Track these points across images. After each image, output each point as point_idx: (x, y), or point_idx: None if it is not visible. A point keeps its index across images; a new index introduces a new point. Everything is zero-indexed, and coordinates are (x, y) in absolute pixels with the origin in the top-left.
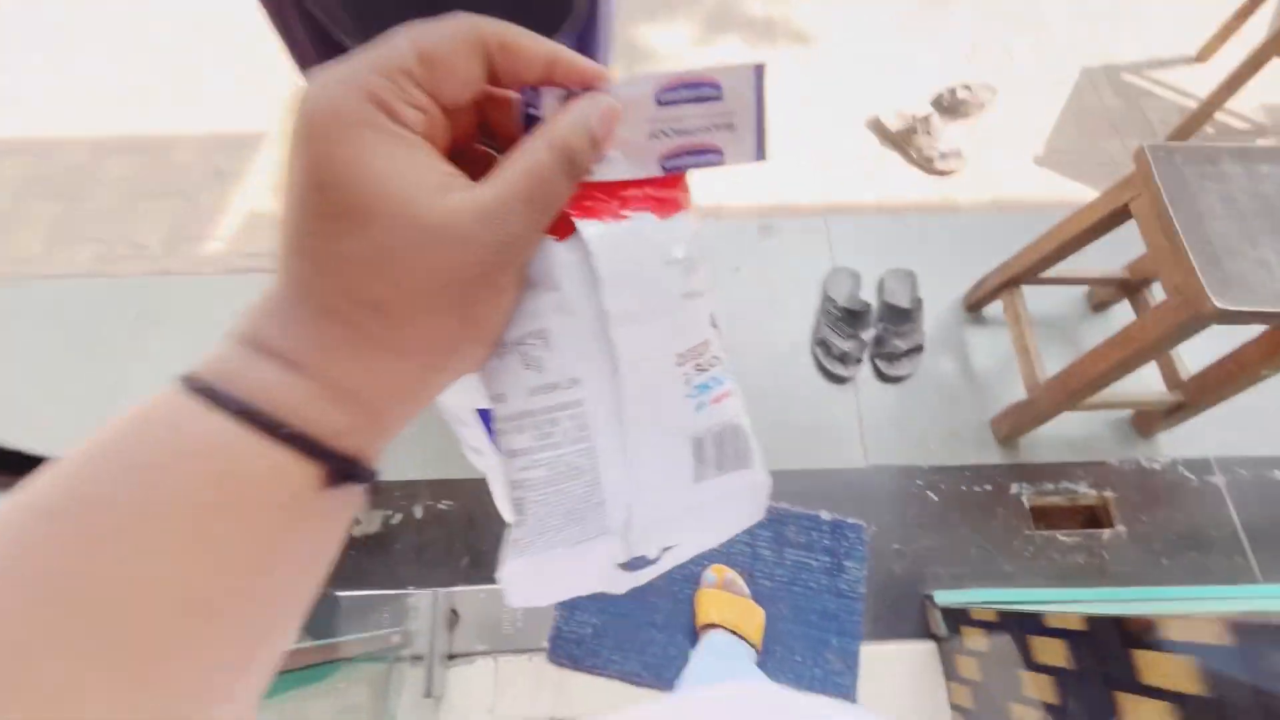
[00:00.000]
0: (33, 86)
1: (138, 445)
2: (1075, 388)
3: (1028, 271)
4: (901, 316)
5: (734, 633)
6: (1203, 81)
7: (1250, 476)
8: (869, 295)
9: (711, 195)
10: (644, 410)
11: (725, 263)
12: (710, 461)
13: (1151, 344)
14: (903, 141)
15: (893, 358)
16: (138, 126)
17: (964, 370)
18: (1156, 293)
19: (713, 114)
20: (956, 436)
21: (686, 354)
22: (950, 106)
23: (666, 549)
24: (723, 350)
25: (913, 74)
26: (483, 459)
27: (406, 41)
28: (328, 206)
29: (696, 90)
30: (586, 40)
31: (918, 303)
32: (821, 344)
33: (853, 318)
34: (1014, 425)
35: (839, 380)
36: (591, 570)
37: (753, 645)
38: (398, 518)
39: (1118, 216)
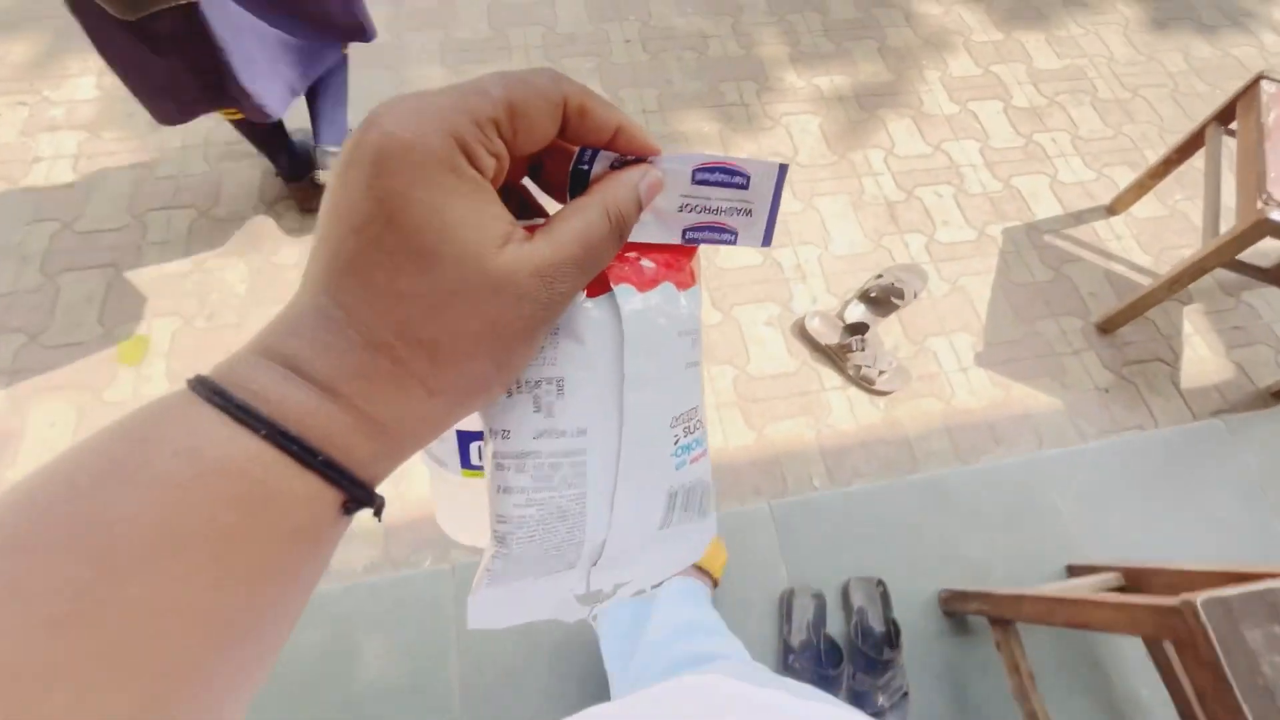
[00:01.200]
0: None
1: (155, 460)
2: None
3: (1020, 615)
4: (881, 667)
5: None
6: (1120, 237)
7: None
8: (834, 615)
9: None
10: (636, 465)
11: None
12: (677, 512)
13: None
14: (837, 357)
15: (879, 716)
16: None
17: (958, 709)
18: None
19: (736, 199)
20: None
21: (679, 418)
22: (880, 298)
23: (620, 585)
24: (704, 416)
25: (834, 246)
26: (441, 470)
27: (499, 89)
28: (397, 243)
29: (729, 175)
30: None
31: (894, 629)
32: None
33: (827, 682)
34: None
35: None
36: (551, 599)
37: (712, 579)
38: None
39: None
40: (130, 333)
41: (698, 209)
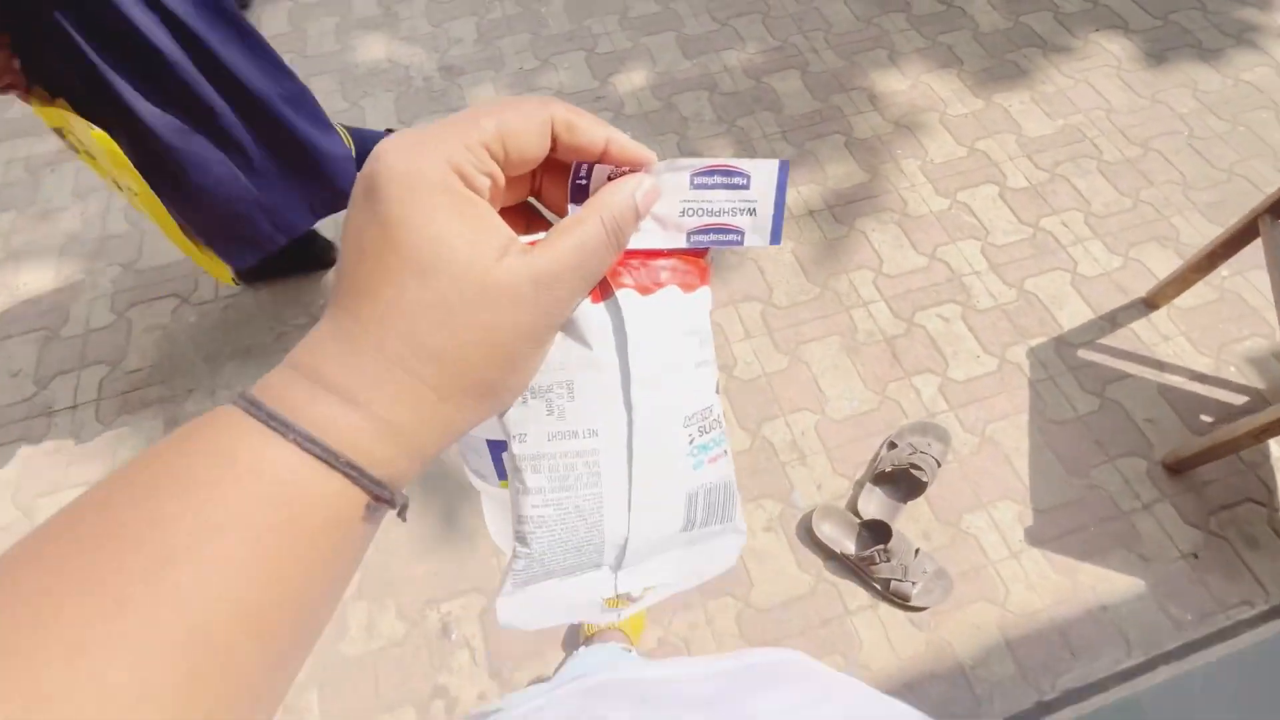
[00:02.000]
0: None
1: (198, 466)
2: None
3: None
4: None
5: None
6: (1168, 337)
7: None
8: None
9: None
10: (650, 465)
11: None
12: (699, 514)
13: None
14: (861, 570)
15: None
16: None
17: None
18: None
19: (738, 199)
20: None
21: (692, 417)
22: (895, 474)
23: (648, 589)
24: (721, 416)
25: (831, 408)
26: (484, 484)
27: (488, 116)
28: (400, 262)
29: (728, 177)
30: None
31: None
32: None
33: None
34: None
35: None
36: (579, 601)
37: (630, 642)
38: None
39: None
40: None
41: (700, 212)
